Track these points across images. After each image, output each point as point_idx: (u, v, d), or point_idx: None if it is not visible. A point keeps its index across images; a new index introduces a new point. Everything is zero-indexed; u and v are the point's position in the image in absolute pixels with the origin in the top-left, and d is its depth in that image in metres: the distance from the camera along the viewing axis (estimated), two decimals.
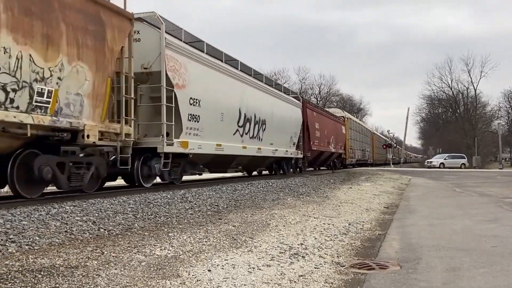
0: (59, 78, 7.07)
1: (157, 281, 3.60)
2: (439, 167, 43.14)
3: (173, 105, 10.00)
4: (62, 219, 5.86)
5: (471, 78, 68.42)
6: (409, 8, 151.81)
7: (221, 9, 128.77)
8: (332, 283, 3.84)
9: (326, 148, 25.52)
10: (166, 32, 10.03)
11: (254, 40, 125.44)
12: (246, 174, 19.66)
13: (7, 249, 4.43)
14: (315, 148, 22.87)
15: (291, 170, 20.70)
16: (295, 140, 20.07)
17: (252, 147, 14.90)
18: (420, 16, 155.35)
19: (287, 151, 18.90)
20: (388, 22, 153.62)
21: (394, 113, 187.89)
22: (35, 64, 6.60)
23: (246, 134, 14.41)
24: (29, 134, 6.56)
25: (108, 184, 10.90)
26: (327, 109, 33.11)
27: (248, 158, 15.31)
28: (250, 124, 14.73)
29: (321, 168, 29.88)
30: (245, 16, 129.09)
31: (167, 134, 9.80)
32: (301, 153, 20.85)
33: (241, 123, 13.97)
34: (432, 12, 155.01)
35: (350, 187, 14.39)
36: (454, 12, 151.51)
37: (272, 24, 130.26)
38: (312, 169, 28.41)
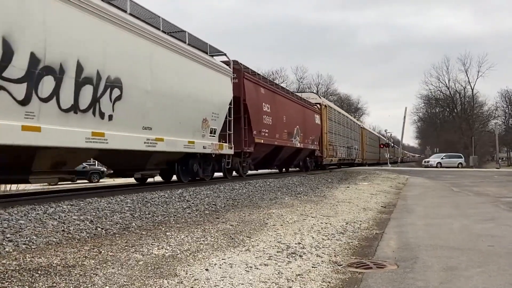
0: None
1: (155, 280, 3.59)
2: (437, 167, 43.29)
3: None
4: (59, 218, 5.86)
5: (468, 78, 68.90)
6: (409, 8, 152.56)
7: (221, 9, 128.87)
8: (329, 282, 3.84)
9: (285, 141, 18.19)
10: None
11: (254, 40, 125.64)
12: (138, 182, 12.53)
13: (4, 248, 4.43)
14: (262, 141, 15.39)
15: (214, 173, 13.64)
16: (217, 127, 12.67)
17: (70, 131, 7.27)
18: (420, 16, 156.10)
19: (192, 142, 11.17)
20: (388, 22, 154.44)
21: (394, 113, 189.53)
22: None
23: (47, 101, 6.84)
24: None
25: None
26: (298, 93, 25.11)
27: (90, 153, 8.39)
28: (60, 80, 7.02)
29: (290, 170, 23.37)
30: (245, 16, 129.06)
31: None
32: (230, 148, 13.41)
33: (17, 74, 6.30)
34: (432, 12, 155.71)
35: (348, 187, 14.40)
36: (454, 12, 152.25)
37: (272, 24, 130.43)
38: (278, 171, 21.97)
